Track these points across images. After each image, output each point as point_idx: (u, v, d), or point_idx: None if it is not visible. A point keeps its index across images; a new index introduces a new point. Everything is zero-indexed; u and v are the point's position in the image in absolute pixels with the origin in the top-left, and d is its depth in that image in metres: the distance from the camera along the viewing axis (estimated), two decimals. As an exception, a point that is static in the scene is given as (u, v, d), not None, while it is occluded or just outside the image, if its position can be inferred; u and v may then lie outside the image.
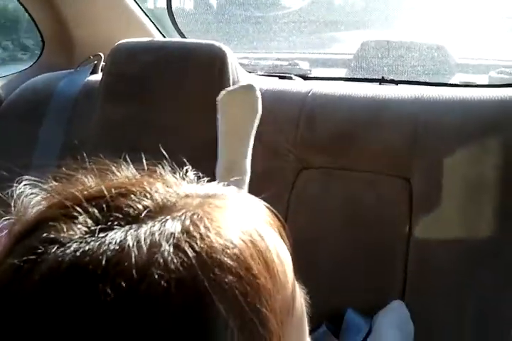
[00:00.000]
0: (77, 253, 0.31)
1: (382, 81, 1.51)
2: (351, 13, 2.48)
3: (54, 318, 0.30)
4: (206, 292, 0.31)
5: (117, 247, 0.31)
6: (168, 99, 1.41)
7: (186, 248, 0.32)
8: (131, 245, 0.31)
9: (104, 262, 0.31)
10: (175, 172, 0.41)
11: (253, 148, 1.34)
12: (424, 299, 1.18)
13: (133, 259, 0.31)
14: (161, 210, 0.35)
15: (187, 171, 0.43)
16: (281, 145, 1.33)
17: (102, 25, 1.69)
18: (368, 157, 1.28)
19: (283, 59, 1.94)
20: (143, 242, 0.32)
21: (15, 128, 1.52)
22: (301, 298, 0.40)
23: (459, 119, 1.25)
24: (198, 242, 0.32)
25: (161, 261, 0.31)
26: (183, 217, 0.34)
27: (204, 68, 1.40)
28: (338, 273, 1.24)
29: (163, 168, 0.41)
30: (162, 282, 0.30)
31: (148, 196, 0.36)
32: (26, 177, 0.41)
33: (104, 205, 0.35)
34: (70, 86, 1.54)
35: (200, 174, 0.43)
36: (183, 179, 0.41)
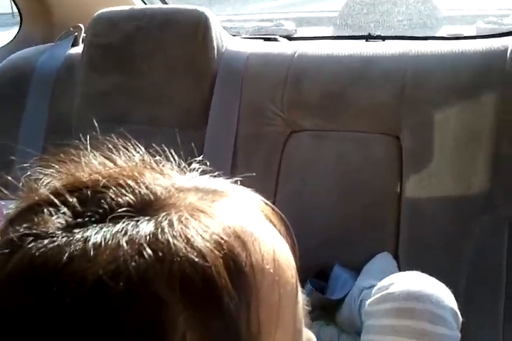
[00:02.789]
0: (45, 249, 0.30)
1: (368, 37, 1.49)
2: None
3: (10, 316, 0.30)
4: (160, 306, 0.30)
5: (81, 246, 0.30)
6: (153, 68, 1.39)
7: (147, 255, 0.30)
8: (93, 245, 0.30)
9: (64, 260, 0.30)
10: (178, 163, 0.39)
11: (240, 113, 1.33)
12: (417, 253, 1.20)
13: (90, 260, 0.30)
14: (144, 207, 0.33)
15: (191, 163, 0.40)
16: (268, 108, 1.32)
17: (81, -5, 1.65)
18: (357, 116, 1.27)
19: (267, 20, 1.91)
20: (107, 243, 0.30)
21: (-2, 107, 1.51)
22: (298, 310, 0.37)
23: (448, 73, 1.24)
24: (164, 250, 0.31)
25: (119, 267, 0.30)
26: (160, 219, 0.32)
27: (187, 34, 1.38)
28: (330, 231, 1.25)
29: (165, 155, 0.39)
30: (113, 291, 0.29)
31: (135, 190, 0.34)
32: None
33: (86, 197, 0.33)
34: (51, 60, 1.51)
35: (208, 168, 0.40)
36: (184, 170, 0.39)
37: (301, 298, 0.37)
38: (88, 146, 0.38)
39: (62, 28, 1.61)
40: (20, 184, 0.38)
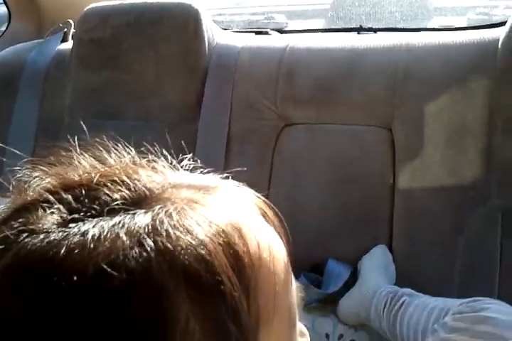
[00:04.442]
0: (42, 243, 0.30)
1: (360, 30, 1.49)
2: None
3: (9, 309, 0.29)
4: (164, 294, 0.30)
5: (79, 239, 0.30)
6: (143, 63, 1.39)
7: (147, 245, 0.30)
8: (92, 237, 0.30)
9: (62, 253, 0.30)
10: (168, 159, 0.39)
11: (232, 107, 1.32)
12: (411, 246, 1.20)
13: (90, 252, 0.30)
14: (139, 201, 0.33)
15: (182, 159, 0.40)
16: (260, 102, 1.31)
17: (70, -10, 1.64)
18: (349, 109, 1.27)
19: (258, 13, 1.90)
20: (105, 235, 0.30)
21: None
22: (292, 298, 0.37)
23: (440, 64, 1.24)
24: (164, 240, 0.31)
25: (120, 257, 0.29)
26: (157, 211, 0.32)
27: (178, 29, 1.37)
28: (323, 224, 1.25)
29: (156, 152, 0.39)
30: (115, 280, 0.29)
31: (129, 185, 0.34)
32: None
33: (81, 194, 0.33)
34: (40, 56, 1.50)
35: (199, 165, 0.40)
36: (176, 167, 0.39)
37: (295, 288, 0.38)
38: (77, 148, 0.38)
39: (52, 23, 1.60)
40: (11, 186, 0.37)
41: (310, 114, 1.29)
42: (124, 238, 0.30)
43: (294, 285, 0.38)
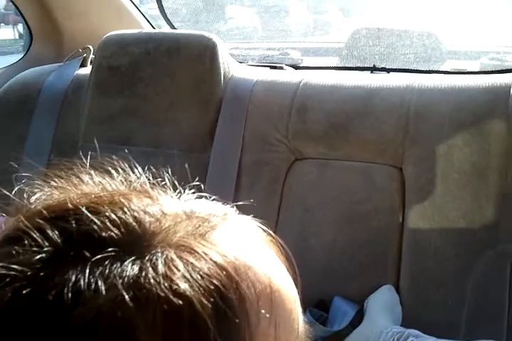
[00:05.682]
0: (19, 296, 0.29)
1: (373, 69, 1.51)
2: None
3: None
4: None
5: (58, 293, 0.29)
6: (159, 92, 1.40)
7: (128, 302, 0.29)
8: (71, 293, 0.29)
9: (39, 308, 0.29)
10: (174, 186, 0.38)
11: (244, 139, 1.33)
12: (418, 286, 1.19)
13: (68, 310, 0.29)
14: (130, 243, 0.31)
15: (189, 187, 0.39)
16: (272, 136, 1.32)
17: (91, 17, 1.68)
18: (361, 147, 1.28)
19: (274, 48, 1.93)
20: (85, 290, 0.29)
21: (4, 125, 1.51)
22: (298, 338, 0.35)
23: (451, 107, 1.25)
24: (146, 296, 0.29)
25: (99, 314, 0.28)
26: (146, 260, 0.30)
27: (195, 59, 1.39)
28: (331, 261, 1.25)
29: (163, 178, 0.38)
30: (94, 337, 0.28)
31: (121, 221, 0.32)
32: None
33: (70, 232, 0.32)
34: (59, 80, 1.52)
35: (204, 194, 0.39)
36: (180, 193, 0.37)
37: (303, 329, 0.36)
38: (87, 166, 0.38)
39: (71, 48, 1.63)
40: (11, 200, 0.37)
41: (321, 150, 1.30)
42: (105, 294, 0.29)
43: (303, 328, 0.36)
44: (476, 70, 1.51)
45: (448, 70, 1.50)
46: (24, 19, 1.66)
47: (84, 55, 1.59)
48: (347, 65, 1.70)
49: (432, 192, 1.20)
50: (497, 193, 1.17)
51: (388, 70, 1.49)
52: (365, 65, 1.55)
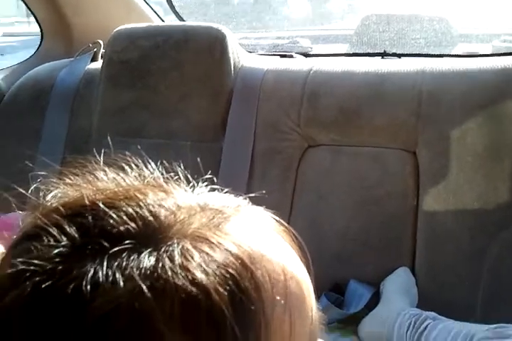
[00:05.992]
0: (40, 289, 0.30)
1: (384, 55, 1.50)
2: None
3: None
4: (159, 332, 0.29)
5: (77, 285, 0.30)
6: (170, 84, 1.41)
7: (146, 293, 0.29)
8: (89, 285, 0.29)
9: (60, 300, 0.30)
10: (187, 179, 0.38)
11: (256, 128, 1.34)
12: (434, 269, 1.19)
13: (88, 302, 0.29)
14: (147, 236, 0.32)
15: (204, 178, 0.38)
16: (285, 124, 1.32)
17: (100, 12, 1.68)
18: (373, 132, 1.28)
19: (283, 37, 1.92)
20: (104, 282, 0.30)
21: (18, 121, 1.53)
22: (312, 326, 0.35)
23: (463, 90, 1.24)
24: (164, 287, 0.30)
25: (118, 305, 0.29)
26: (162, 251, 0.31)
27: (204, 51, 1.39)
28: (345, 246, 1.25)
29: (176, 171, 0.38)
30: (114, 328, 0.29)
31: (138, 215, 0.33)
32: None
33: (87, 226, 0.32)
34: (70, 75, 1.54)
35: (217, 187, 0.39)
36: (193, 186, 0.37)
37: (317, 315, 0.36)
38: (101, 162, 0.38)
39: (82, 43, 1.63)
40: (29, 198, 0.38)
41: (333, 136, 1.30)
42: (122, 286, 0.29)
43: (317, 316, 0.36)
44: (488, 53, 1.49)
45: (459, 54, 1.49)
46: (34, 16, 1.67)
47: (95, 49, 1.60)
48: (357, 52, 1.70)
49: (447, 175, 1.20)
50: (511, 173, 1.16)
51: (399, 55, 1.48)
52: (376, 51, 1.54)
